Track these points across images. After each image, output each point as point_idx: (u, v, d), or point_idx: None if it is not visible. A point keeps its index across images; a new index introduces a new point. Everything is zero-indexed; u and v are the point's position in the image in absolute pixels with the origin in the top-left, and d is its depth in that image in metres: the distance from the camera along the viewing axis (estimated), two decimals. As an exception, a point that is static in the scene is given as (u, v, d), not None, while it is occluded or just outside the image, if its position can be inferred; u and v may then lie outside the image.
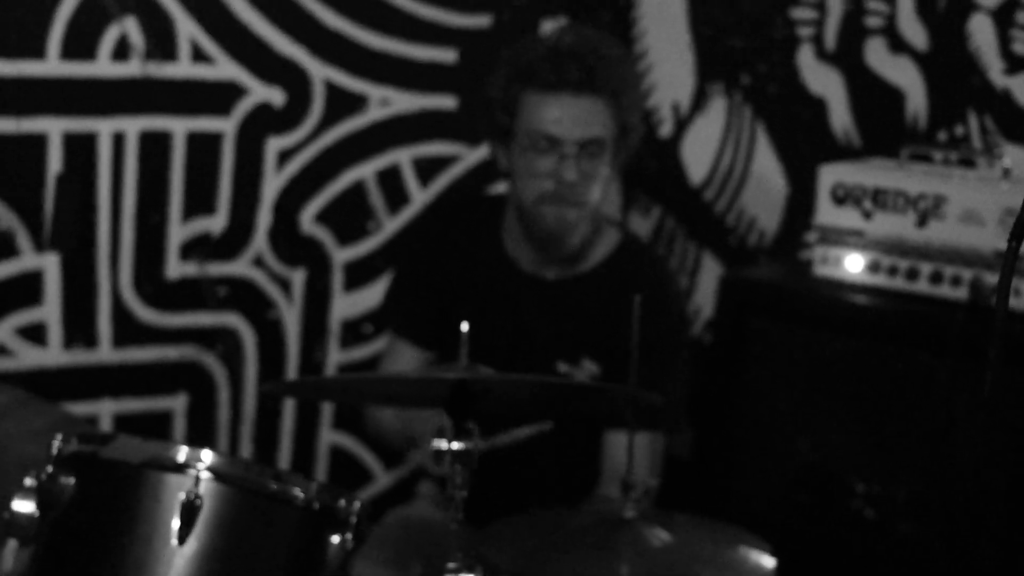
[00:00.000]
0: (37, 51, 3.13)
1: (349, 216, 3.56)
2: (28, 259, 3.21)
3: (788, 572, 2.36)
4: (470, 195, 3.61)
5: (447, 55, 3.57)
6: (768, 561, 2.31)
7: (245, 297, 3.47)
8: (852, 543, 2.89)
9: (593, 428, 2.99)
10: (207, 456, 2.03)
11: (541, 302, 3.00)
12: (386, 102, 3.54)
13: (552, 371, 2.96)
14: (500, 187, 3.50)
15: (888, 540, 2.84)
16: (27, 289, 3.21)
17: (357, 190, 3.56)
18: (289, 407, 3.56)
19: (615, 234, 3.05)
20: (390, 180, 3.60)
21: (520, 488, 3.00)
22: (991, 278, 2.74)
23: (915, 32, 3.15)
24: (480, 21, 3.59)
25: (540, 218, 2.90)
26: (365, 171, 3.56)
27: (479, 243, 3.03)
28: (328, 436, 3.64)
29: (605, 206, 3.02)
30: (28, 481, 2.05)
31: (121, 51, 3.21)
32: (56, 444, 2.08)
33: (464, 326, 2.26)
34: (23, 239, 3.19)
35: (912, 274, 2.87)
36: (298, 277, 3.53)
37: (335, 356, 3.59)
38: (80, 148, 3.22)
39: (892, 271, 2.90)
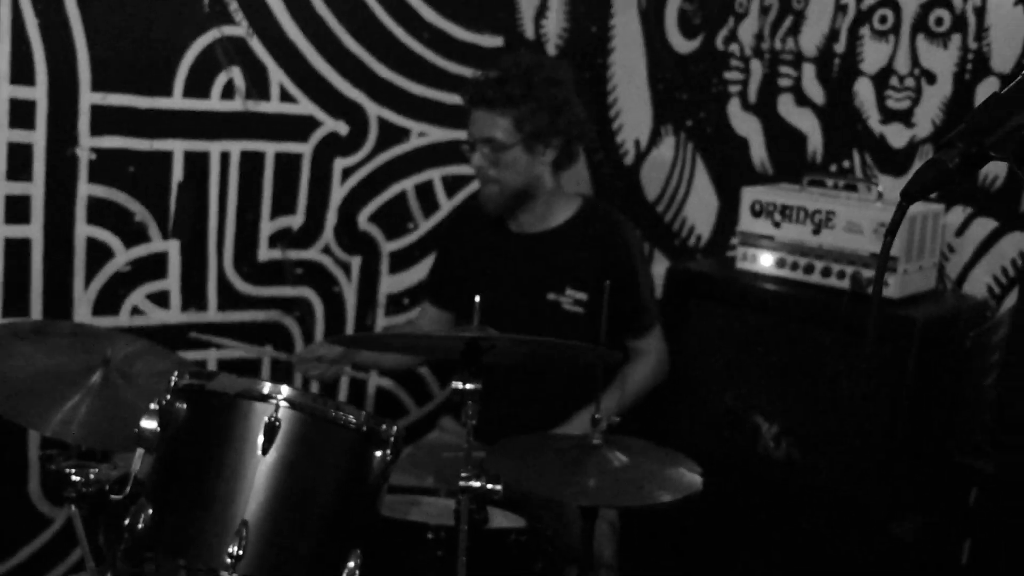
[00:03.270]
0: (166, 90, 3.13)
1: (394, 218, 3.55)
2: (157, 244, 3.20)
3: (714, 487, 2.35)
4: None
5: (469, 100, 3.55)
6: (696, 478, 2.31)
7: (316, 276, 3.46)
8: (761, 468, 2.88)
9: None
10: (285, 390, 2.03)
11: (525, 252, 3.03)
12: (423, 134, 3.54)
13: (543, 299, 2.98)
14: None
15: (787, 466, 2.84)
16: (155, 266, 3.21)
17: (400, 199, 3.55)
18: (347, 358, 3.55)
19: (576, 200, 3.08)
20: (425, 192, 3.59)
21: (529, 405, 2.98)
22: (867, 273, 2.74)
23: (815, 90, 3.14)
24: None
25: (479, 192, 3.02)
26: (407, 185, 3.55)
27: (487, 218, 3.06)
28: (375, 380, 3.63)
29: (568, 186, 3.09)
30: (153, 405, 2.06)
31: (228, 92, 3.20)
32: (173, 379, 2.09)
33: (477, 298, 2.26)
34: (153, 229, 3.19)
35: (809, 269, 2.87)
36: (355, 262, 3.52)
37: (381, 320, 3.59)
38: (196, 163, 3.21)
39: (794, 266, 2.89)
